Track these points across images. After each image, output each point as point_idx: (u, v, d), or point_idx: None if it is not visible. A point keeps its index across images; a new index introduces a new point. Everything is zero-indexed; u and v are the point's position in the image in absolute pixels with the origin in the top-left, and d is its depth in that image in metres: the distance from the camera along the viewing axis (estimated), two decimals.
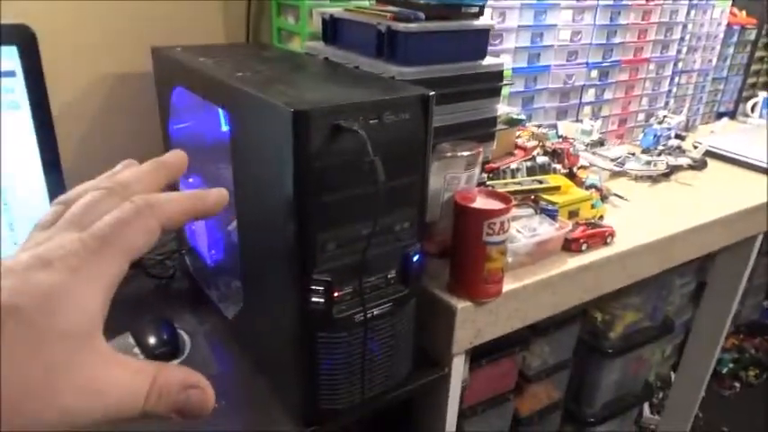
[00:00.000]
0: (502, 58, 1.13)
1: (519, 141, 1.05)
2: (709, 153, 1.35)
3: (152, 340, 0.78)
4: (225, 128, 0.82)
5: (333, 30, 0.84)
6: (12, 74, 0.68)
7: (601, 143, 1.30)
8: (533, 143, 1.05)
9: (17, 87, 0.69)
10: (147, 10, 0.91)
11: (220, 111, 0.80)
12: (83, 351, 0.27)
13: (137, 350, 0.79)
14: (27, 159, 0.71)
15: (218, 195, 0.36)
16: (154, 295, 0.92)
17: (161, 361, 0.75)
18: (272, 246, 0.64)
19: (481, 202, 0.73)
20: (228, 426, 0.68)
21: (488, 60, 0.81)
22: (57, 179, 0.74)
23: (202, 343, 0.81)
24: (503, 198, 0.74)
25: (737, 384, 2.17)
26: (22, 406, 0.24)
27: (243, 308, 0.77)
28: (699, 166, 1.30)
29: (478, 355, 1.10)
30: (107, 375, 0.28)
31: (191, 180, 0.88)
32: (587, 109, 1.39)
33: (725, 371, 2.17)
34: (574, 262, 0.86)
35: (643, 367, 1.52)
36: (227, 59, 0.77)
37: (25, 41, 0.68)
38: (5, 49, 0.67)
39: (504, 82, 0.83)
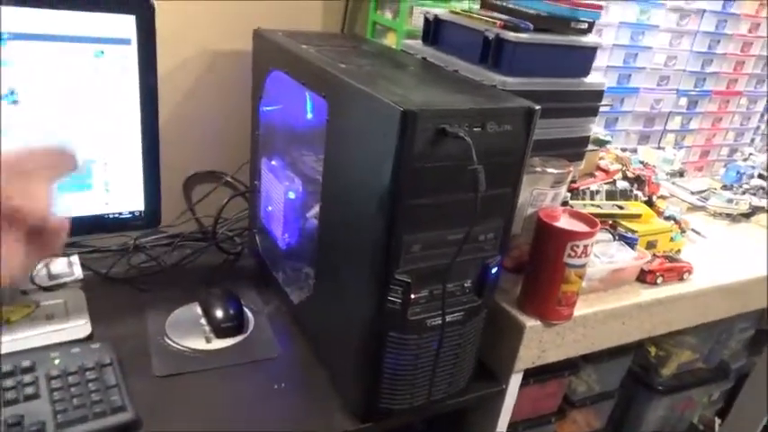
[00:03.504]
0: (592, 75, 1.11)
1: (601, 163, 1.03)
2: None
3: (219, 313, 0.80)
4: (310, 116, 0.82)
5: (435, 31, 0.83)
6: (127, 41, 0.70)
7: (681, 174, 1.25)
8: (616, 167, 1.02)
9: (130, 54, 0.71)
10: None
11: (308, 98, 0.80)
12: None
13: (203, 321, 0.81)
14: (128, 124, 0.74)
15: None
16: (221, 269, 0.95)
17: (225, 335, 0.78)
18: (355, 239, 0.64)
19: (565, 222, 0.72)
20: (285, 410, 0.69)
21: (591, 78, 0.79)
22: (153, 144, 0.76)
23: (265, 323, 0.83)
24: (588, 221, 0.73)
25: None
26: None
27: (312, 295, 0.77)
28: None
29: (528, 374, 1.08)
30: None
31: (273, 162, 0.89)
32: (670, 136, 1.35)
33: None
34: (647, 294, 0.84)
35: (691, 409, 1.46)
36: (328, 49, 0.77)
37: (143, 12, 0.70)
38: (124, 17, 0.69)
39: (605, 103, 0.81)
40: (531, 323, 0.74)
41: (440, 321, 0.64)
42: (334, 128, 0.67)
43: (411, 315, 0.62)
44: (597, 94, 0.80)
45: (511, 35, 0.71)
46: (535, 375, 1.11)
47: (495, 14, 0.78)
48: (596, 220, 0.72)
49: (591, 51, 0.78)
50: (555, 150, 0.78)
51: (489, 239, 0.65)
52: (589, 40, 0.77)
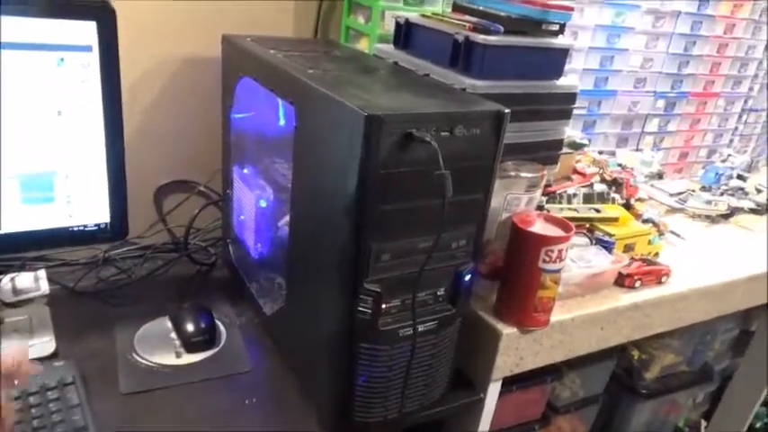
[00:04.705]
0: (569, 78, 1.11)
1: (578, 166, 1.02)
2: None
3: (190, 328, 0.78)
4: (282, 122, 0.81)
5: (406, 35, 0.82)
6: (88, 48, 0.68)
7: (660, 176, 1.25)
8: (593, 170, 1.02)
9: (91, 62, 0.69)
10: None
11: (280, 105, 0.79)
12: None
13: (173, 335, 0.79)
14: (91, 134, 0.72)
15: None
16: (193, 280, 0.92)
17: (196, 350, 0.76)
18: (324, 248, 0.62)
19: (540, 227, 0.71)
20: (256, 425, 0.67)
21: (563, 81, 0.78)
22: (117, 154, 0.74)
23: (238, 336, 0.81)
24: (563, 225, 0.72)
25: None
26: None
27: (283, 306, 0.76)
28: (761, 210, 1.24)
29: (509, 381, 1.07)
30: None
31: (245, 171, 0.88)
32: (648, 139, 1.35)
33: (759, 425, 2.07)
34: (626, 298, 0.83)
35: (675, 412, 1.46)
36: (297, 54, 0.76)
37: (104, 18, 0.68)
38: (84, 24, 0.67)
39: (578, 105, 0.80)
40: (507, 330, 0.72)
41: (412, 331, 0.62)
42: (302, 134, 0.65)
43: (382, 325, 0.61)
44: (570, 97, 0.79)
45: (480, 37, 0.70)
46: (517, 382, 1.10)
47: (467, 17, 0.78)
48: (571, 224, 0.71)
49: (562, 53, 0.77)
50: (528, 154, 0.77)
51: (461, 246, 0.64)
52: (560, 41, 0.77)
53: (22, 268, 0.84)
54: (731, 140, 1.53)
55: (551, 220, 0.73)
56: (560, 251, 0.69)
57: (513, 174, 0.73)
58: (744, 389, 1.42)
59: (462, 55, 0.72)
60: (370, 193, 0.55)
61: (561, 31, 0.76)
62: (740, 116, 1.51)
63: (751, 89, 1.49)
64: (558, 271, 0.70)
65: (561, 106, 0.79)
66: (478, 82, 0.71)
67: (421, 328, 0.63)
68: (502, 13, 0.75)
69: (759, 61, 1.45)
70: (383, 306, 0.60)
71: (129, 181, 0.75)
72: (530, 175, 0.74)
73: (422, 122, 0.55)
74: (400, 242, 0.58)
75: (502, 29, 0.73)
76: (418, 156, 0.55)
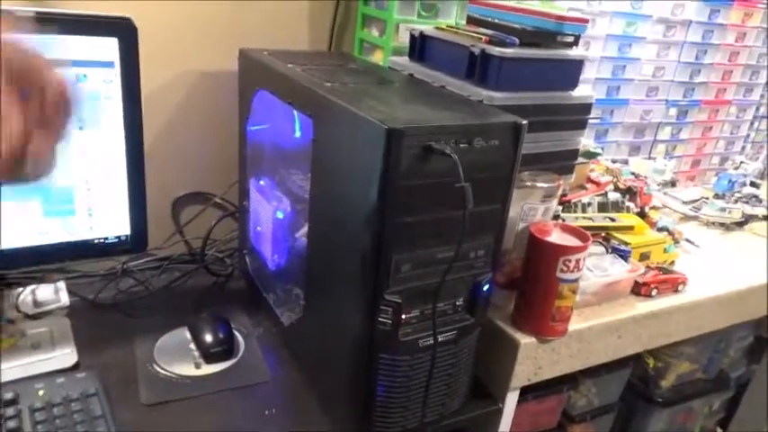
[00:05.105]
0: (581, 88, 1.11)
1: (592, 175, 1.02)
2: None
3: (208, 338, 0.78)
4: (298, 134, 0.82)
5: (421, 47, 0.83)
6: (110, 65, 0.69)
7: (673, 183, 1.25)
8: (607, 178, 1.02)
9: (113, 77, 0.70)
10: (236, 12, 0.92)
11: (296, 117, 0.80)
12: None
13: (192, 345, 0.79)
14: (112, 147, 0.73)
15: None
16: (211, 291, 0.93)
17: (215, 360, 0.76)
18: (344, 259, 0.63)
19: (557, 237, 0.71)
20: None
21: (579, 92, 0.79)
22: (138, 167, 0.75)
23: (256, 346, 0.81)
24: (580, 235, 0.72)
25: None
26: None
27: (302, 317, 0.76)
28: None
29: (526, 390, 1.06)
30: None
31: (261, 182, 0.89)
32: (661, 147, 1.35)
33: None
34: (643, 307, 0.83)
35: (691, 420, 1.45)
36: (314, 67, 0.77)
37: (126, 34, 0.69)
38: (107, 40, 0.69)
39: (593, 116, 0.81)
40: (525, 340, 0.72)
41: (432, 341, 0.62)
42: (321, 147, 0.66)
43: (402, 336, 0.61)
44: (585, 107, 0.80)
45: (496, 50, 0.71)
46: (533, 391, 1.09)
47: (481, 30, 0.78)
48: (588, 233, 0.72)
49: (577, 64, 0.77)
50: (544, 164, 0.77)
51: (480, 256, 0.64)
52: (575, 53, 0.77)
53: (42, 280, 0.85)
54: (743, 147, 1.52)
55: (568, 229, 0.73)
56: (578, 261, 0.69)
57: (529, 184, 0.73)
58: (761, 396, 1.41)
59: (479, 67, 0.73)
60: (391, 204, 0.55)
61: (576, 42, 0.77)
62: (752, 123, 1.51)
63: (762, 96, 1.49)
64: (576, 280, 0.70)
65: (577, 117, 0.80)
66: (495, 94, 0.71)
67: (440, 338, 0.63)
68: (516, 26, 0.76)
69: None
70: (403, 317, 0.61)
71: (148, 193, 0.76)
72: (546, 185, 0.74)
73: (441, 135, 0.55)
74: (420, 253, 0.59)
75: (517, 41, 0.73)
76: (438, 167, 0.55)
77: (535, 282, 0.71)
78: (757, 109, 1.49)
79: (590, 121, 1.16)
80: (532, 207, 0.74)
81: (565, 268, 0.69)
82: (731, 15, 1.29)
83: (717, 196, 1.28)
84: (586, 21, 0.76)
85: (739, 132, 1.48)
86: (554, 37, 0.75)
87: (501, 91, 0.72)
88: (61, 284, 0.85)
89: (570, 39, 0.76)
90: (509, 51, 0.71)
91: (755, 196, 1.28)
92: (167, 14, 0.88)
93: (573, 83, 0.78)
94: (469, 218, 0.56)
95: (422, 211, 0.57)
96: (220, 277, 0.96)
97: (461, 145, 0.57)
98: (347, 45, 1.04)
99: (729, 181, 1.32)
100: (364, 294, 0.60)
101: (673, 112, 1.31)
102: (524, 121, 0.60)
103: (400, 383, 0.64)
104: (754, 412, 1.43)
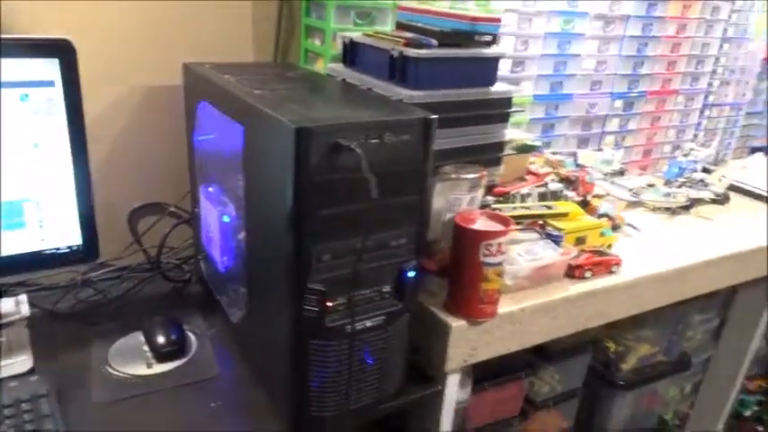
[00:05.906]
0: (523, 85, 1.16)
1: (532, 167, 1.07)
2: (734, 188, 1.33)
3: (160, 339, 0.82)
4: (238, 141, 0.86)
5: (352, 53, 0.88)
6: (51, 83, 0.73)
7: (621, 173, 1.30)
8: (547, 170, 1.06)
9: (55, 97, 0.74)
10: (179, 27, 0.97)
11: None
12: None
13: (145, 347, 0.83)
14: (60, 163, 0.77)
15: None
16: (169, 298, 0.97)
17: (166, 359, 0.80)
18: (274, 255, 0.67)
19: (481, 224, 0.75)
20: (221, 426, 0.71)
21: (497, 87, 0.83)
22: (85, 180, 0.79)
23: (208, 345, 0.85)
24: (503, 221, 0.76)
25: (761, 428, 2.08)
26: None
27: (246, 314, 0.80)
28: (721, 200, 1.28)
29: (482, 378, 1.10)
30: None
31: (210, 189, 0.93)
32: (610, 138, 1.39)
33: (748, 413, 2.08)
34: (576, 288, 0.87)
35: (657, 403, 1.48)
36: (250, 78, 0.81)
37: (65, 55, 0.73)
38: (47, 61, 0.73)
39: (515, 109, 0.85)
40: (456, 323, 0.76)
41: (359, 327, 0.66)
42: (249, 151, 0.70)
43: (329, 322, 0.65)
44: (504, 102, 0.84)
45: (412, 52, 0.75)
46: (491, 379, 1.13)
47: (405, 34, 0.83)
48: (510, 219, 0.76)
49: (494, 62, 0.82)
50: (470, 157, 0.82)
51: (402, 244, 0.68)
52: (492, 51, 0.82)
53: (3, 294, 0.88)
54: (695, 135, 1.57)
55: (493, 216, 0.77)
56: (499, 245, 0.73)
57: (454, 176, 0.78)
58: (720, 377, 1.45)
59: (399, 69, 0.77)
60: (306, 199, 0.59)
61: (494, 41, 0.82)
62: (702, 111, 1.56)
63: (710, 84, 1.54)
64: (500, 264, 0.75)
65: (497, 110, 0.84)
66: (414, 92, 0.76)
67: (369, 323, 0.67)
68: (436, 28, 0.80)
69: (715, 57, 1.50)
70: (329, 304, 0.65)
71: (103, 206, 0.80)
72: (470, 176, 0.78)
73: (350, 131, 0.59)
74: (338, 243, 0.63)
75: (436, 43, 0.78)
76: (348, 163, 0.59)
77: (462, 267, 0.75)
78: (706, 97, 1.54)
79: (533, 115, 1.21)
80: (458, 198, 0.78)
81: (487, 252, 0.73)
82: (669, 8, 1.34)
83: (666, 183, 1.32)
84: (498, 20, 0.81)
85: (689, 120, 1.53)
86: (471, 37, 0.80)
87: (420, 89, 0.76)
88: (22, 297, 0.88)
89: (488, 38, 0.81)
90: (424, 52, 0.76)
91: (702, 180, 1.33)
92: (115, 32, 0.93)
93: (490, 79, 0.83)
94: (383, 208, 0.60)
95: (336, 204, 0.61)
96: (178, 283, 1.00)
97: (372, 141, 0.61)
98: (294, 56, 1.09)
99: (679, 168, 1.36)
100: (291, 285, 0.64)
101: (618, 104, 1.36)
102: (434, 116, 0.64)
103: (332, 368, 0.67)
104: (715, 394, 1.47)
